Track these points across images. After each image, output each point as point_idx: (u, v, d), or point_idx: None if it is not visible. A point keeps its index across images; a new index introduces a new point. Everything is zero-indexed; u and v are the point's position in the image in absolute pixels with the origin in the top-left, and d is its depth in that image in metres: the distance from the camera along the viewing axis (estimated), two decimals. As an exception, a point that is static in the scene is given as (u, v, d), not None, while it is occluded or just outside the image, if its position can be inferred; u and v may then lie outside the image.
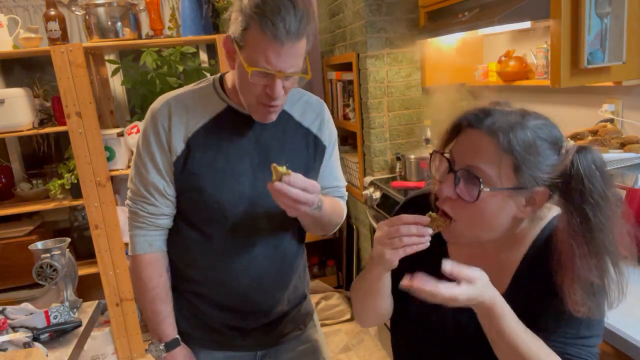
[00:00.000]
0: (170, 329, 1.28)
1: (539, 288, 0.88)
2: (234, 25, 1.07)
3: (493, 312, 0.80)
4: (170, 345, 1.27)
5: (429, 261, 0.97)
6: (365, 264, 0.93)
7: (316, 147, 1.29)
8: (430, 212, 0.86)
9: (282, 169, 1.02)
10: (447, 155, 0.89)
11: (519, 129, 0.81)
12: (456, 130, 0.90)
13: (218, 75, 1.26)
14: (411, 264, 0.99)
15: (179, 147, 1.18)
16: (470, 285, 0.78)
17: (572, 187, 0.80)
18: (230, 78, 1.22)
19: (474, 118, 0.86)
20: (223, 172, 1.19)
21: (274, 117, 1.17)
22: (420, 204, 1.04)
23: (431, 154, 0.93)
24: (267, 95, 1.10)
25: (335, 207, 1.31)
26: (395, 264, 0.85)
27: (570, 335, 0.85)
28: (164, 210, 1.23)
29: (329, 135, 1.32)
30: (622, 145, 1.68)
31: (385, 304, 1.00)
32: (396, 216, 0.85)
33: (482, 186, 0.82)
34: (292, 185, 1.02)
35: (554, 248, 0.84)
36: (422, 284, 0.78)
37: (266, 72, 1.06)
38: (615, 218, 0.81)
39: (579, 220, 0.80)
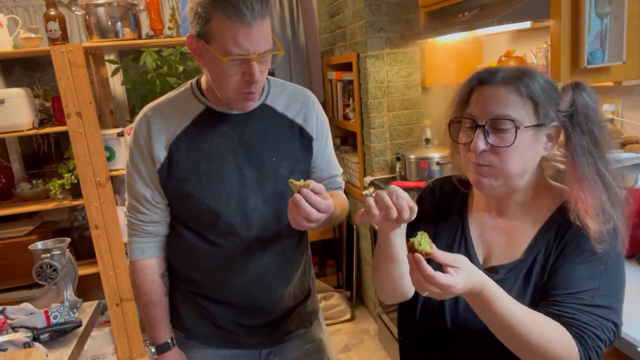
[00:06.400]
0: (162, 333, 1.30)
1: (557, 252, 0.92)
2: (195, 22, 1.07)
3: (484, 294, 0.81)
4: (160, 349, 1.30)
5: (448, 234, 1.05)
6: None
7: (302, 139, 1.28)
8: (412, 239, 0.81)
9: (300, 182, 1.04)
10: (467, 116, 0.96)
11: (529, 76, 0.92)
12: (468, 92, 0.97)
13: (195, 78, 1.26)
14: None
15: (161, 155, 1.20)
16: (460, 270, 0.80)
17: (577, 114, 0.92)
18: (205, 79, 1.22)
19: (485, 74, 0.95)
20: (207, 174, 1.19)
21: (253, 104, 1.18)
22: (445, 185, 1.10)
23: (449, 125, 0.99)
24: (246, 82, 1.10)
25: (342, 205, 1.31)
26: (389, 227, 0.91)
27: (584, 302, 0.85)
28: (153, 217, 1.26)
29: (317, 125, 1.30)
30: (622, 145, 1.68)
31: (399, 270, 0.98)
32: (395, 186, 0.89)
33: (517, 124, 0.90)
34: (308, 198, 1.03)
35: (567, 179, 0.93)
36: (422, 267, 0.79)
37: (242, 58, 1.05)
38: (612, 145, 0.94)
39: (589, 139, 0.90)
